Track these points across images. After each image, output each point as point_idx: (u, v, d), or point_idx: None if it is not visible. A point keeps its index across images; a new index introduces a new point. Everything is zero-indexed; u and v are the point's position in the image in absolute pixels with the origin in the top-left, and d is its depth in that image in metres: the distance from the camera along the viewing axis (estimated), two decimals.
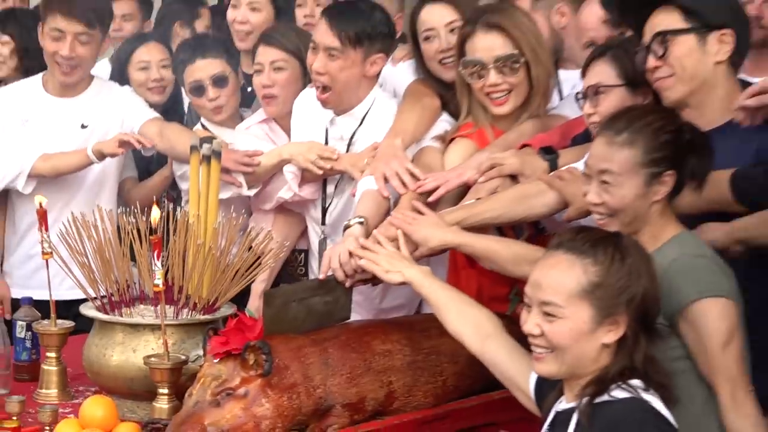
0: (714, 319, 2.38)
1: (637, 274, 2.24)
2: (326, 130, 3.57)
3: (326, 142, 3.56)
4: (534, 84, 3.23)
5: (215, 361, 2.53)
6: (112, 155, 3.95)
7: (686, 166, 2.47)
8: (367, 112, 3.51)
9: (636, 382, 2.20)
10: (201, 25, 4.97)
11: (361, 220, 3.03)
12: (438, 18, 3.45)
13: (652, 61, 2.72)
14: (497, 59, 3.17)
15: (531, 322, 2.24)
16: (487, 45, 3.19)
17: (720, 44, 2.67)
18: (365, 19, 3.44)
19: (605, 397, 2.19)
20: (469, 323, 2.61)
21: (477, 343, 2.57)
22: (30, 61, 4.33)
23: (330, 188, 3.61)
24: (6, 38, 4.42)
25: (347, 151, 3.53)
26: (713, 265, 2.45)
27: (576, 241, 2.29)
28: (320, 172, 3.49)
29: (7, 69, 4.44)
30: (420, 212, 2.96)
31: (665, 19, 2.71)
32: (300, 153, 3.52)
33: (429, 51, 3.47)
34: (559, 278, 2.23)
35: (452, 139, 3.35)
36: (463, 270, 3.15)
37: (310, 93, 3.59)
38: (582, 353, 2.22)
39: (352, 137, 3.52)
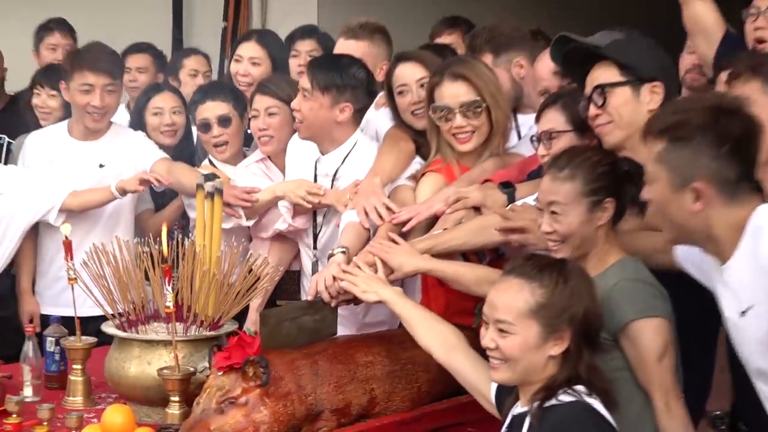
0: (650, 336, 2.41)
1: (578, 296, 2.26)
2: (315, 167, 3.59)
3: (315, 177, 3.58)
4: (494, 125, 3.25)
5: (219, 373, 2.56)
6: (134, 192, 3.98)
7: (625, 193, 2.49)
8: (348, 153, 3.53)
9: (580, 387, 2.21)
10: (185, 73, 4.93)
11: (344, 249, 3.05)
12: (410, 75, 3.47)
13: (593, 110, 2.73)
14: (462, 105, 3.18)
15: (488, 337, 2.27)
16: (453, 92, 3.21)
17: (652, 95, 2.69)
18: (337, 72, 3.47)
19: (553, 401, 2.20)
20: (436, 337, 2.64)
21: (443, 354, 2.60)
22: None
23: (319, 218, 3.63)
24: (54, 92, 4.41)
25: (332, 185, 3.54)
26: (650, 288, 2.47)
27: (525, 267, 2.31)
28: (309, 206, 3.51)
29: (53, 119, 4.43)
30: (395, 242, 2.98)
31: (604, 73, 2.74)
32: (291, 190, 3.54)
33: (402, 104, 3.49)
34: (510, 300, 2.25)
35: (424, 174, 3.36)
36: (432, 289, 3.15)
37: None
38: (531, 364, 2.25)
39: (335, 173, 3.54)
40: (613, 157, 2.60)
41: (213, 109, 3.97)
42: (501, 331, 2.25)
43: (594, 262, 2.50)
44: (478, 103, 3.20)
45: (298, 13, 5.50)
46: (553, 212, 2.51)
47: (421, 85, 3.42)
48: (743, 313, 2.17)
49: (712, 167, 2.13)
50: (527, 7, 5.13)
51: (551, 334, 2.24)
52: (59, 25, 5.26)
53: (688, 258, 2.42)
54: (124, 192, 3.93)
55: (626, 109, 2.67)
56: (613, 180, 2.52)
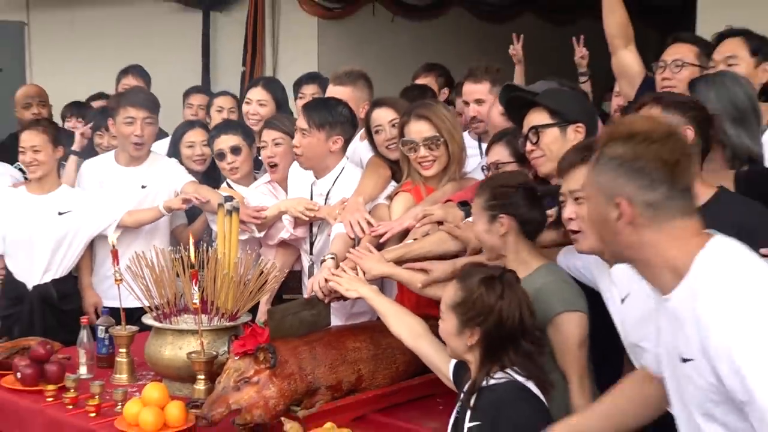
0: (574, 327, 2.46)
1: (496, 304, 2.25)
2: (311, 189, 3.65)
3: (311, 196, 3.63)
4: (451, 156, 3.31)
5: (236, 358, 2.61)
6: (178, 209, 4.05)
7: (521, 212, 2.53)
8: (337, 177, 3.59)
9: (513, 370, 2.24)
10: (213, 110, 4.93)
11: (333, 256, 3.12)
12: (384, 117, 3.55)
13: (528, 146, 2.79)
14: (425, 140, 3.26)
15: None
16: (418, 130, 3.28)
17: (576, 134, 2.75)
18: (328, 111, 3.53)
19: (491, 382, 2.24)
20: (405, 327, 2.69)
21: (411, 341, 2.65)
22: None
23: (315, 229, 3.67)
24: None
25: (325, 202, 3.58)
26: (573, 288, 2.52)
27: (466, 272, 2.40)
28: (307, 218, 3.57)
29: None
30: (371, 251, 3.02)
31: (537, 117, 2.80)
32: (293, 206, 3.60)
33: (378, 140, 3.56)
34: (446, 294, 2.35)
35: (397, 193, 3.43)
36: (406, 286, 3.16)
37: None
38: (456, 347, 2.33)
39: (327, 194, 3.59)
40: (520, 182, 2.63)
41: (226, 141, 4.05)
42: (441, 318, 2.36)
43: (516, 265, 2.51)
44: (437, 138, 3.27)
45: (302, 60, 5.54)
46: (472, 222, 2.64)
47: (393, 125, 3.49)
48: (623, 300, 2.31)
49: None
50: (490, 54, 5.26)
51: (465, 328, 2.29)
52: (136, 69, 5.29)
53: (570, 265, 2.56)
54: (170, 210, 4.00)
55: (555, 145, 2.72)
56: (510, 201, 2.55)
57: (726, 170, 2.80)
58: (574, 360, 2.46)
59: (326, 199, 3.60)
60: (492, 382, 2.25)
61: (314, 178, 3.64)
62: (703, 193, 2.38)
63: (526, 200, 2.56)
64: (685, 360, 1.76)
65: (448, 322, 2.33)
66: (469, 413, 2.27)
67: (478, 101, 3.84)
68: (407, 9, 7.25)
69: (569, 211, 2.38)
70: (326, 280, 2.94)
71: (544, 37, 6.56)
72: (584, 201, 2.22)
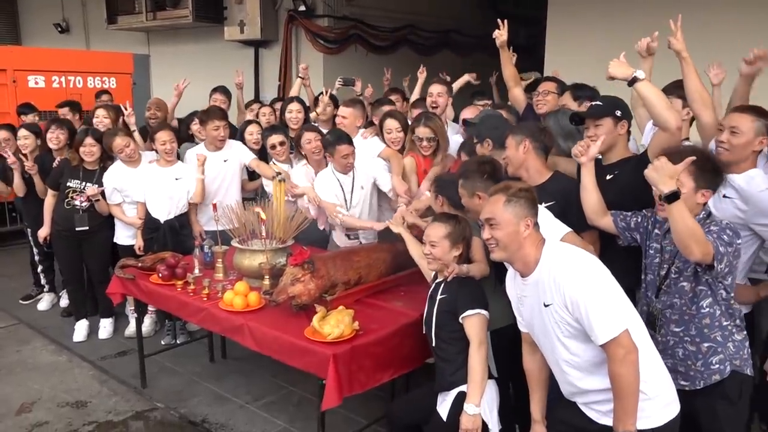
0: (477, 244, 2.52)
1: (465, 230, 2.43)
2: (352, 181, 3.66)
3: (353, 185, 3.63)
4: (440, 146, 3.49)
5: (292, 266, 2.73)
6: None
7: (449, 194, 2.68)
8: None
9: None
10: (260, 114, 4.79)
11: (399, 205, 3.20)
12: (392, 125, 3.65)
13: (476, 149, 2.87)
14: (427, 138, 3.44)
15: (426, 250, 2.46)
16: (423, 131, 3.45)
17: (487, 145, 2.87)
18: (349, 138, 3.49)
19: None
20: (416, 251, 2.79)
21: (417, 258, 2.78)
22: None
23: (349, 195, 3.60)
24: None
25: (353, 184, 3.57)
26: (477, 229, 2.41)
27: (443, 215, 2.53)
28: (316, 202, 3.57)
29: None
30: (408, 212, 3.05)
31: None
32: (310, 192, 3.65)
33: (388, 138, 3.64)
34: (436, 231, 2.44)
35: (406, 156, 3.54)
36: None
37: (327, 171, 3.60)
38: (445, 260, 2.42)
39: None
40: (452, 179, 2.75)
41: (276, 138, 4.03)
42: (432, 246, 2.42)
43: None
44: (434, 138, 3.46)
45: (314, 80, 5.40)
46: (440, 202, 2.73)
47: (398, 130, 3.58)
48: (546, 305, 1.95)
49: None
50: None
51: (453, 245, 2.41)
52: (222, 89, 5.12)
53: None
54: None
55: (483, 152, 2.87)
56: (444, 188, 2.76)
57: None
58: (476, 252, 2.56)
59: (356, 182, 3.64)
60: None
61: (341, 176, 3.62)
62: (547, 174, 2.57)
63: (453, 188, 2.68)
64: (546, 305, 1.92)
65: (441, 246, 2.43)
66: (441, 288, 2.41)
67: (440, 94, 3.91)
68: (374, 48, 7.68)
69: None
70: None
71: (454, 66, 6.58)
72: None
